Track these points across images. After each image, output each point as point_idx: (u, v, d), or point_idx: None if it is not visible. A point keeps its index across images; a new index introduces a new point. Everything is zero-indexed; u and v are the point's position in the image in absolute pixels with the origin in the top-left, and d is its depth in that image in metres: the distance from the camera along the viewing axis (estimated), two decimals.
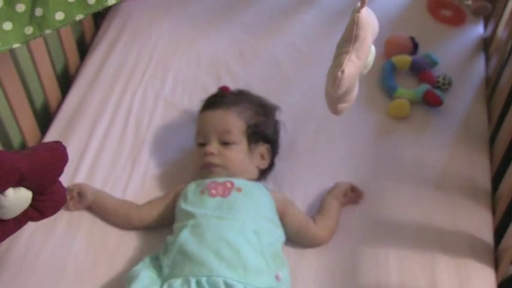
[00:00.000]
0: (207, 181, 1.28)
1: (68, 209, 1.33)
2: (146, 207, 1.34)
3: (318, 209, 1.35)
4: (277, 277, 1.16)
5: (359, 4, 0.85)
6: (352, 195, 1.38)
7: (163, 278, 1.15)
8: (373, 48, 0.92)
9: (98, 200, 1.33)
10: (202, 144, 1.35)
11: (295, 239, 1.30)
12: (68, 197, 1.31)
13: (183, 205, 1.25)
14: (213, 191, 1.25)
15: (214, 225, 1.18)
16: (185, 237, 1.17)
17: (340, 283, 1.25)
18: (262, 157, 1.37)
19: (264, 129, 1.38)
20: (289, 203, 1.32)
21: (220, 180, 1.28)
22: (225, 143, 1.32)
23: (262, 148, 1.37)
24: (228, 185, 1.26)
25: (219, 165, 1.30)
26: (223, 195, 1.24)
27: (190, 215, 1.21)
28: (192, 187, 1.28)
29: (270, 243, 1.19)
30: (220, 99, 1.40)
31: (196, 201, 1.24)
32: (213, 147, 1.32)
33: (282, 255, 1.22)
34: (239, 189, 1.25)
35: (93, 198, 1.33)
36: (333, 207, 1.34)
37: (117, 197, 1.36)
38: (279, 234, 1.25)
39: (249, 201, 1.24)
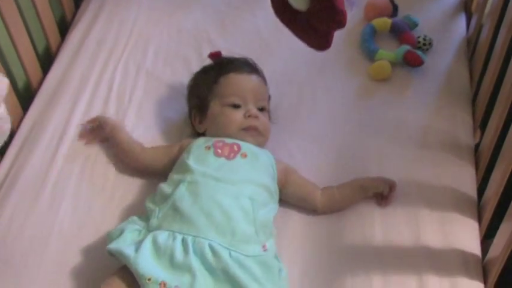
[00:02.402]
0: (215, 139, 1.28)
1: (88, 142, 1.41)
2: (149, 151, 1.36)
3: (344, 184, 1.31)
4: (263, 247, 1.15)
5: None
6: (384, 197, 1.30)
7: (150, 229, 1.14)
8: None
9: (113, 133, 1.38)
10: (236, 106, 1.32)
11: (299, 204, 1.30)
12: (89, 128, 1.42)
13: (185, 158, 1.24)
14: (219, 151, 1.24)
15: (211, 186, 1.18)
16: (181, 193, 1.17)
17: (327, 241, 1.25)
18: None
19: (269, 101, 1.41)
20: (291, 171, 1.32)
21: (229, 140, 1.27)
22: (260, 109, 1.33)
23: None
24: (235, 147, 1.26)
25: (260, 131, 1.31)
26: (228, 157, 1.24)
27: (189, 170, 1.21)
28: (199, 142, 1.28)
29: (263, 212, 1.19)
30: (245, 65, 1.39)
31: (200, 157, 1.23)
32: (256, 110, 1.32)
33: (272, 225, 1.22)
34: (244, 155, 1.25)
35: (110, 130, 1.38)
36: (356, 197, 1.30)
37: (130, 135, 1.39)
38: (273, 206, 1.25)
39: (250, 169, 1.23)
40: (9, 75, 1.48)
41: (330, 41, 1.02)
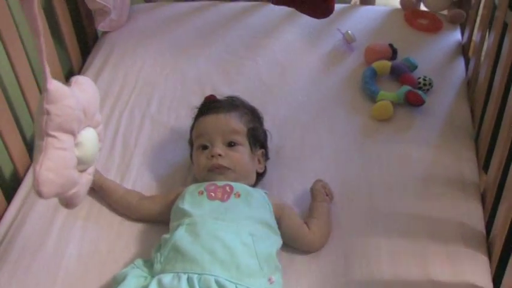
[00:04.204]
0: (206, 183, 1.28)
1: None
2: (146, 202, 1.36)
3: (308, 214, 1.34)
4: (269, 280, 1.14)
5: None
6: (329, 190, 1.37)
7: (154, 275, 1.13)
8: None
9: (102, 192, 1.39)
10: (205, 147, 1.34)
11: (292, 244, 1.29)
12: None
13: (180, 204, 1.25)
14: (212, 194, 1.25)
15: (210, 224, 1.18)
16: (180, 234, 1.16)
17: (333, 277, 1.23)
18: (259, 161, 1.38)
19: (259, 134, 1.41)
20: (286, 208, 1.32)
21: (220, 183, 1.28)
22: (230, 145, 1.32)
23: (259, 153, 1.39)
24: (228, 189, 1.26)
25: (228, 167, 1.30)
26: (222, 200, 1.24)
27: (187, 214, 1.21)
28: (191, 188, 1.28)
29: (265, 246, 1.19)
30: (217, 104, 1.41)
31: (194, 202, 1.24)
32: (220, 148, 1.31)
33: (276, 259, 1.21)
34: (238, 195, 1.25)
35: (98, 189, 1.38)
36: (324, 209, 1.33)
37: (122, 191, 1.39)
38: (275, 239, 1.24)
39: (246, 207, 1.23)
40: (18, 123, 1.51)
41: (332, 7, 1.09)
